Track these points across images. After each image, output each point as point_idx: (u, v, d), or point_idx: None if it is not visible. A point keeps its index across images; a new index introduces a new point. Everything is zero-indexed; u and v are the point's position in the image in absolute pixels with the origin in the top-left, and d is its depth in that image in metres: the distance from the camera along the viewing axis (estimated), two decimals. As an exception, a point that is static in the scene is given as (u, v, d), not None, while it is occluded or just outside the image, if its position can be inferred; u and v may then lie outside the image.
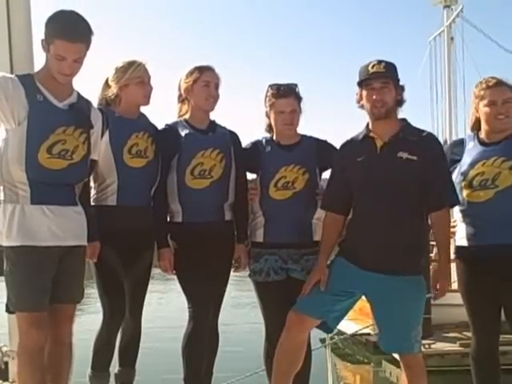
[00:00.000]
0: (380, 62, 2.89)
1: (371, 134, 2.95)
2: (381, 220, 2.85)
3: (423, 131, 2.96)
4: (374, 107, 2.88)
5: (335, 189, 3.06)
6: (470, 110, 3.26)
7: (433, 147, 2.93)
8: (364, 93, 2.91)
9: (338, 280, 2.91)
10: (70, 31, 2.57)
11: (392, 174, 2.85)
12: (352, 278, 2.90)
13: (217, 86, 3.27)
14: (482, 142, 3.15)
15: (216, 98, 3.28)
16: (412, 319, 2.92)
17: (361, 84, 2.92)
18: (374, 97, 2.86)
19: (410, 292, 2.88)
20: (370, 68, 2.88)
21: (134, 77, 3.12)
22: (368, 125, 2.99)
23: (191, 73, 3.26)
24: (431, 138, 2.98)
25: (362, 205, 2.94)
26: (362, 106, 2.97)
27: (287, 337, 2.94)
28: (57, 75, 2.63)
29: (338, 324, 3.05)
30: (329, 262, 3.04)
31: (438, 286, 2.90)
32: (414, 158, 2.84)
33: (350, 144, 3.06)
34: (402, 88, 2.97)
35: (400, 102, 2.96)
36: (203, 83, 3.22)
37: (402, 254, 2.84)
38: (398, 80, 2.95)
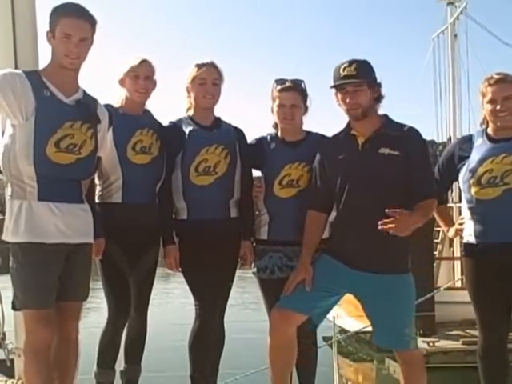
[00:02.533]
0: (351, 63, 2.85)
1: (352, 132, 2.93)
2: (366, 217, 2.80)
3: (404, 125, 2.93)
4: (349, 110, 2.88)
5: (317, 187, 3.05)
6: (480, 106, 3.23)
7: (414, 141, 2.89)
8: (339, 96, 2.89)
9: (324, 277, 2.89)
10: (77, 9, 2.61)
11: (375, 171, 2.84)
12: (339, 276, 2.88)
13: (215, 83, 3.24)
14: (490, 139, 3.14)
15: (214, 94, 3.26)
16: (404, 317, 2.90)
17: (334, 87, 2.90)
18: (348, 100, 2.85)
19: (400, 290, 2.87)
20: (341, 71, 2.85)
21: (129, 71, 3.13)
22: (349, 122, 2.97)
23: (190, 70, 3.26)
24: (412, 132, 2.92)
25: (346, 203, 2.91)
26: (340, 106, 2.95)
27: (273, 335, 2.93)
28: (63, 60, 2.62)
29: (322, 320, 3.04)
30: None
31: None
32: (396, 153, 2.83)
33: (331, 142, 3.06)
34: (379, 85, 2.95)
35: (378, 99, 2.95)
36: (200, 81, 3.21)
37: (389, 252, 2.81)
38: (373, 78, 2.92)
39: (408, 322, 2.91)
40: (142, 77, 3.15)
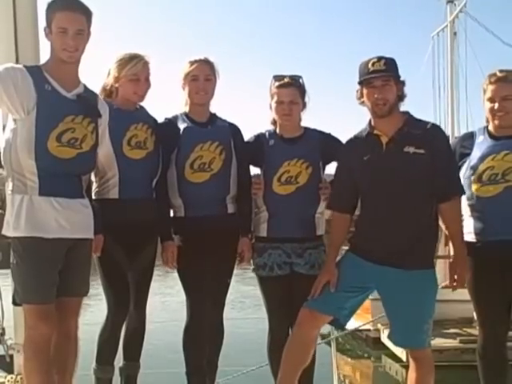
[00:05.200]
0: (380, 58, 2.86)
1: (375, 132, 2.92)
2: (392, 215, 2.83)
3: (427, 123, 2.94)
4: (375, 105, 2.86)
5: (341, 188, 3.04)
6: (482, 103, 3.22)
7: (438, 138, 2.90)
8: (365, 91, 2.88)
9: (350, 276, 2.90)
10: (71, 2, 2.61)
11: (400, 170, 2.83)
12: (364, 273, 2.88)
13: (208, 78, 3.23)
14: (492, 136, 3.13)
15: (207, 90, 3.25)
16: (425, 313, 2.90)
17: (361, 82, 2.89)
18: (376, 95, 2.84)
19: (423, 285, 2.87)
20: (370, 66, 2.85)
21: (129, 74, 3.09)
22: (370, 121, 2.97)
23: (183, 67, 3.25)
24: (436, 129, 2.95)
25: (372, 202, 2.92)
26: (362, 103, 2.94)
27: (298, 333, 2.93)
28: (62, 54, 2.62)
29: (349, 320, 3.03)
30: (338, 258, 3.04)
31: (455, 277, 2.89)
32: (421, 151, 2.82)
33: (354, 142, 3.03)
34: (403, 83, 2.94)
35: (401, 97, 2.95)
36: (191, 77, 3.21)
37: (414, 248, 2.82)
38: (399, 76, 2.92)
39: (428, 318, 2.91)
40: (143, 80, 3.14)
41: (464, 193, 2.99)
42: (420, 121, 2.95)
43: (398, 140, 2.86)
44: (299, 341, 2.93)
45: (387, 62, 2.86)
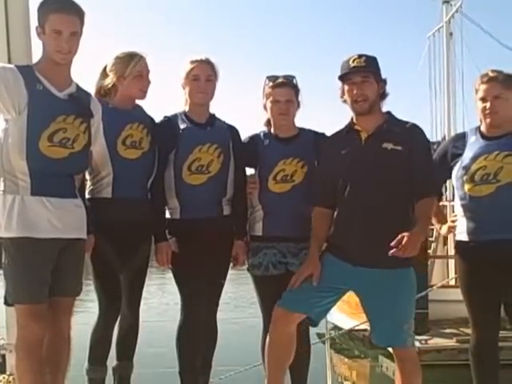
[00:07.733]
0: (361, 56, 2.88)
1: (356, 127, 2.93)
2: (367, 212, 2.81)
3: (407, 122, 2.95)
4: (355, 102, 2.87)
5: (321, 183, 3.04)
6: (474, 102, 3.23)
7: (417, 137, 2.91)
8: (345, 87, 2.90)
9: (326, 277, 2.88)
10: (65, 4, 2.59)
11: (377, 165, 2.84)
12: (341, 274, 2.86)
13: (209, 79, 3.23)
14: (483, 136, 3.14)
15: (208, 91, 3.24)
16: (404, 312, 2.90)
17: (342, 79, 2.91)
18: (355, 91, 2.85)
19: (401, 285, 2.86)
20: (350, 62, 2.87)
21: (134, 71, 3.08)
22: (352, 118, 2.97)
23: (184, 66, 3.25)
24: (415, 128, 2.95)
25: (348, 197, 2.90)
26: (345, 101, 2.95)
27: (274, 330, 2.93)
28: (55, 55, 2.61)
29: (322, 319, 3.03)
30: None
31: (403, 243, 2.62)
32: (399, 148, 2.83)
33: (334, 138, 3.05)
34: (385, 81, 2.95)
35: (383, 96, 2.96)
36: (193, 77, 3.20)
37: (389, 247, 2.74)
38: (380, 73, 2.93)
39: (407, 318, 2.89)
40: (145, 77, 3.14)
41: (436, 194, 2.97)
42: (400, 120, 2.97)
43: (377, 136, 2.87)
44: (277, 338, 2.92)
45: (367, 60, 2.87)
